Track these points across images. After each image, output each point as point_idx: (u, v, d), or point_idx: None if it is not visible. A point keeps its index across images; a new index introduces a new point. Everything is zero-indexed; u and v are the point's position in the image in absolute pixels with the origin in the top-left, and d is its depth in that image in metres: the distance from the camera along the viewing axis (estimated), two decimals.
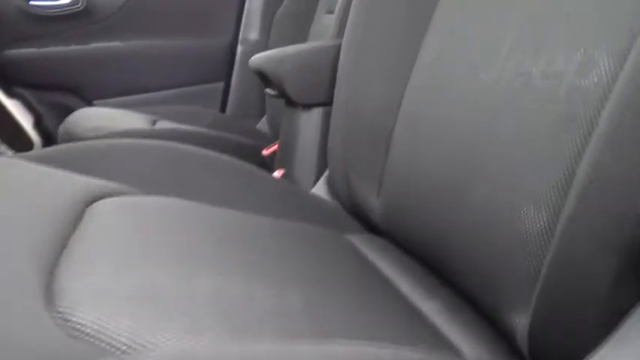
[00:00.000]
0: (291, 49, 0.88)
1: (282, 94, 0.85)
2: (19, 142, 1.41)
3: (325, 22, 1.32)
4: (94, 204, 0.56)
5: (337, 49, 0.81)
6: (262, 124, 1.63)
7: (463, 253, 0.52)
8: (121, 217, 0.53)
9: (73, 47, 1.51)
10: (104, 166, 0.67)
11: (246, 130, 1.45)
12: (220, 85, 1.69)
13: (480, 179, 0.49)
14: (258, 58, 0.86)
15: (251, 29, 1.67)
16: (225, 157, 0.73)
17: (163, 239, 0.49)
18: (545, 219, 0.39)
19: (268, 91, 0.89)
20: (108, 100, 1.57)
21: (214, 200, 0.64)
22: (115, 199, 0.58)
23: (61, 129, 1.10)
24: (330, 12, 1.30)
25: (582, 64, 0.41)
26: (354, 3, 0.77)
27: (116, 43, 1.56)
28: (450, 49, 0.61)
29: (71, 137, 1.03)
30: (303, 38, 1.43)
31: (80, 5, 1.48)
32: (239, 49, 1.67)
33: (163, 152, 0.72)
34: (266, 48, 1.61)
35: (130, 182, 0.63)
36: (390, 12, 0.71)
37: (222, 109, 1.70)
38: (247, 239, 0.56)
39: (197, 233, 0.53)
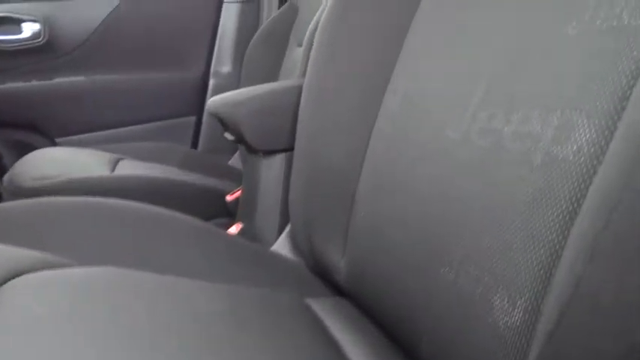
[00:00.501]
0: (249, 91, 0.81)
1: (240, 139, 0.79)
2: None
3: (295, 56, 1.27)
4: (12, 281, 0.48)
5: (300, 90, 0.75)
6: (235, 160, 1.57)
7: (431, 333, 0.45)
8: (39, 299, 0.46)
9: (35, 83, 1.45)
10: (37, 231, 0.60)
11: (217, 168, 1.38)
12: (192, 119, 1.63)
13: (447, 250, 0.43)
14: (214, 102, 0.80)
15: (223, 62, 1.61)
16: (178, 216, 0.66)
17: (81, 329, 0.42)
18: (521, 315, 0.33)
19: (227, 135, 0.83)
20: (72, 138, 1.50)
21: (162, 267, 0.57)
22: (39, 273, 0.51)
23: (6, 179, 1.01)
24: (300, 45, 1.26)
25: (559, 129, 0.35)
26: (316, 40, 0.71)
27: (80, 78, 1.50)
28: (415, 99, 0.56)
29: (16, 189, 0.94)
30: (276, 71, 1.38)
31: (42, 39, 1.42)
32: (211, 82, 1.62)
33: (108, 212, 0.65)
34: (239, 80, 1.56)
35: (64, 251, 0.56)
36: (352, 52, 0.66)
37: (194, 143, 1.64)
38: (188, 316, 0.49)
39: (128, 315, 0.46)
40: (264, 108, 0.78)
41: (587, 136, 0.33)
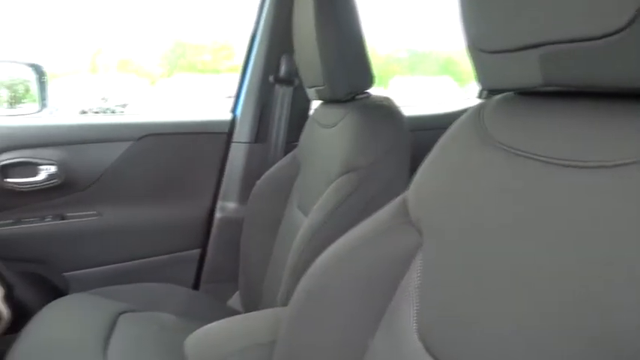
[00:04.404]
0: (231, 341, 0.78)
1: None
2: None
3: (294, 219, 1.30)
4: None
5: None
6: (235, 300, 1.59)
7: None
8: None
9: (47, 222, 1.51)
10: None
11: (214, 311, 1.40)
12: (197, 252, 1.67)
13: None
14: (190, 340, 0.79)
15: (229, 197, 1.66)
16: None
17: None
18: None
19: None
20: (79, 272, 1.55)
21: None
22: None
23: None
24: (300, 208, 1.29)
25: None
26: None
27: (91, 213, 1.56)
28: None
29: None
30: (277, 222, 1.41)
31: (57, 181, 1.49)
32: (217, 215, 1.66)
33: None
34: (243, 216, 1.59)
35: None
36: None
37: (198, 276, 1.67)
38: None
39: None
40: None
41: None
